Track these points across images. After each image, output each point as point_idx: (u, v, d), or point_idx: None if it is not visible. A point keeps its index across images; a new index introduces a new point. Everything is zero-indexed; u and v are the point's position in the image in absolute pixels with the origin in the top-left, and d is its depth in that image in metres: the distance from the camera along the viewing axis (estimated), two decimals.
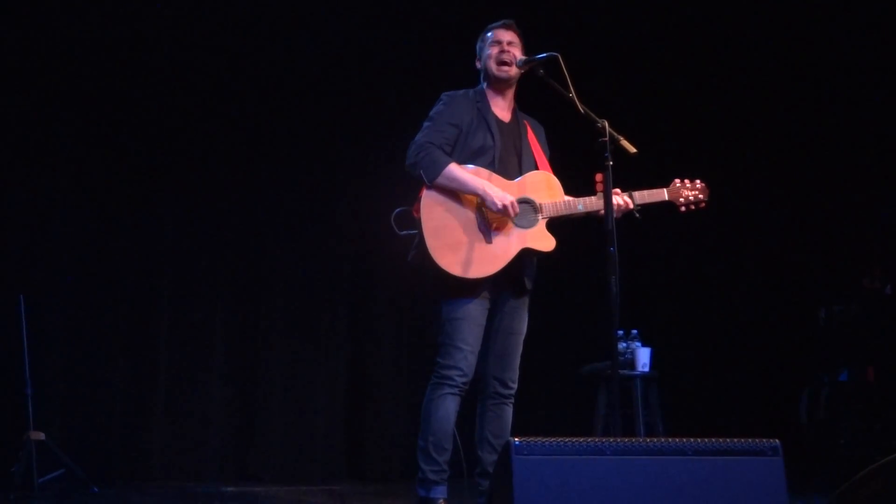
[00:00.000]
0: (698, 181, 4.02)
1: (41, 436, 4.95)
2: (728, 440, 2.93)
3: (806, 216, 6.61)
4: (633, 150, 3.60)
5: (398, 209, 3.87)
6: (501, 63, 3.92)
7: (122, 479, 5.51)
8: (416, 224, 3.79)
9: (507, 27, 3.97)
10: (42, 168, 5.62)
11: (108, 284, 5.71)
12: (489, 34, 3.99)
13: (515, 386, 3.94)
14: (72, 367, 5.59)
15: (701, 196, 4.01)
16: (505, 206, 3.72)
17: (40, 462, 4.91)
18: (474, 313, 3.81)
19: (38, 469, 4.88)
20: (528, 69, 3.86)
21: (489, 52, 3.95)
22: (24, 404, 4.98)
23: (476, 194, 3.76)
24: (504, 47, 3.93)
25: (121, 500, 4.98)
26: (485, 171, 3.83)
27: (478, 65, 4.04)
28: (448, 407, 3.77)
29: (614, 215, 3.52)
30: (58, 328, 5.56)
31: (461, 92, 4.00)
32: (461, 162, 3.83)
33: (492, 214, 3.77)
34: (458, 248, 3.74)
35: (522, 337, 3.95)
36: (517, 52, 3.93)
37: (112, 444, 5.61)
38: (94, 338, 5.67)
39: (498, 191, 3.74)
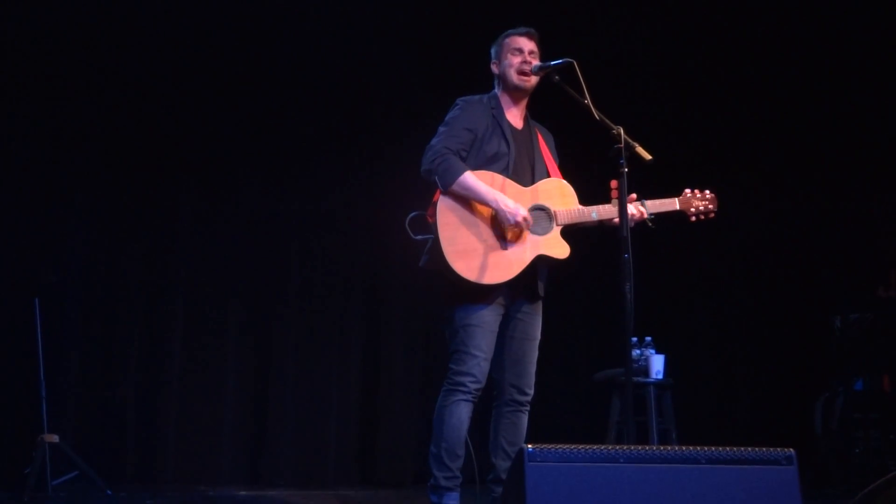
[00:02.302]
0: (708, 192, 4.04)
1: (55, 438, 4.98)
2: (742, 449, 2.92)
3: (821, 224, 6.58)
4: (648, 157, 3.59)
5: (413, 214, 3.87)
6: (522, 73, 3.92)
7: (136, 482, 5.53)
8: (431, 229, 3.79)
9: (529, 37, 3.96)
10: (56, 172, 5.66)
11: (122, 288, 5.75)
12: (509, 40, 3.97)
13: (532, 392, 3.92)
14: (86, 370, 5.62)
15: (710, 206, 4.03)
16: (518, 223, 3.72)
17: (54, 464, 4.94)
18: (488, 319, 3.80)
19: (51, 471, 4.91)
20: (544, 75, 3.86)
21: (510, 60, 3.94)
22: (39, 407, 5.01)
23: (489, 206, 3.76)
24: (526, 57, 3.92)
25: (134, 503, 4.99)
26: (499, 178, 3.82)
27: (494, 69, 4.02)
28: (461, 413, 3.76)
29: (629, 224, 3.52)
30: (73, 332, 5.59)
31: (476, 97, 3.99)
32: (475, 167, 3.82)
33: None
34: (472, 253, 3.73)
35: (537, 343, 3.94)
36: (536, 63, 3.92)
37: (125, 447, 5.64)
38: (108, 341, 5.70)
39: (511, 204, 3.73)
